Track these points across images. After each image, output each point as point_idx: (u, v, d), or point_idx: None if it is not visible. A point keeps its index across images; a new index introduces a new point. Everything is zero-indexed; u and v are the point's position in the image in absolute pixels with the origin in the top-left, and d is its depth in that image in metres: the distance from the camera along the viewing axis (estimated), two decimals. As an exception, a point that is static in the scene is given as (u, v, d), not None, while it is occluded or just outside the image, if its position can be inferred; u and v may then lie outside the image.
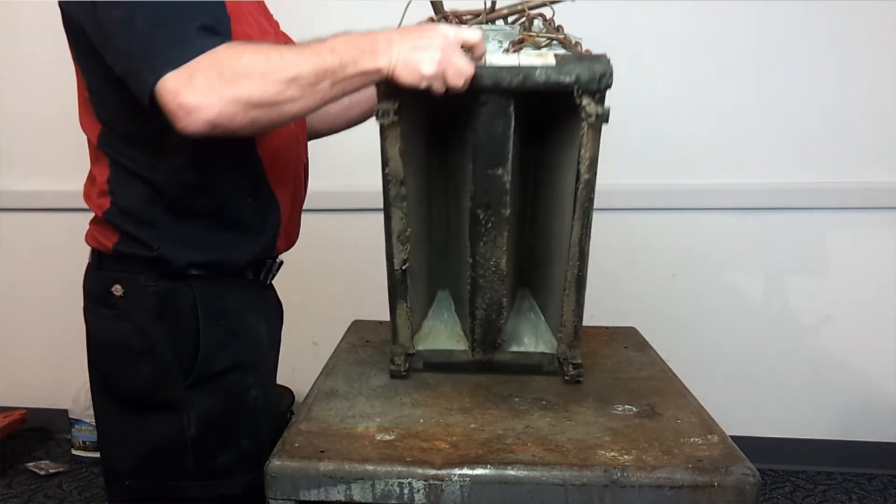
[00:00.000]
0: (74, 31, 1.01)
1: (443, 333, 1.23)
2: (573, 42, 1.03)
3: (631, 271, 2.29)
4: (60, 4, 1.01)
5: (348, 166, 2.29)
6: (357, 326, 1.50)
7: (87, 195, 1.10)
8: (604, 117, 0.99)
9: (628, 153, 2.24)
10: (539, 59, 0.98)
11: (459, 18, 1.09)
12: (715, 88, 2.22)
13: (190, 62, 0.87)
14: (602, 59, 0.98)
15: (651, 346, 1.39)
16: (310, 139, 1.29)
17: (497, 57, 0.98)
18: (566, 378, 1.18)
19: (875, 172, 2.23)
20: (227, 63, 0.87)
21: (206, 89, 0.86)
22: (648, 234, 2.30)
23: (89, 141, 1.07)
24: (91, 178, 1.09)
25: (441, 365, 1.21)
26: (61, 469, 2.41)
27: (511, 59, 0.98)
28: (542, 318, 1.24)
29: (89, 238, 1.11)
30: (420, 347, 1.19)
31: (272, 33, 1.16)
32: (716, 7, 2.17)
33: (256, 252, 1.13)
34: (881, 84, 2.18)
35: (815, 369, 2.34)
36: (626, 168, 2.24)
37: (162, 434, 1.07)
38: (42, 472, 2.38)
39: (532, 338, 1.22)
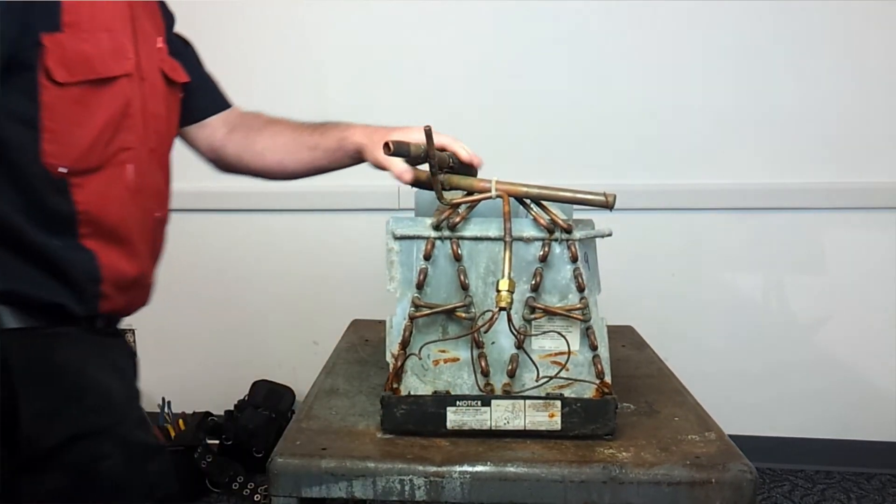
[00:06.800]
0: None
1: None
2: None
3: (630, 271, 2.29)
4: None
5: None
6: (357, 325, 1.51)
7: None
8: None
9: (628, 153, 2.24)
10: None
11: (447, 163, 1.02)
12: (715, 88, 2.22)
13: None
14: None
15: (648, 345, 1.40)
16: (285, 178, 1.20)
17: None
18: None
19: (874, 172, 2.23)
20: None
21: None
22: (648, 234, 2.30)
23: None
24: None
25: None
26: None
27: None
28: None
29: None
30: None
31: (130, 41, 0.97)
32: (715, 7, 2.18)
33: (68, 299, 0.93)
34: (881, 84, 2.19)
35: (813, 368, 2.34)
36: (627, 168, 2.24)
37: None
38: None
39: None
